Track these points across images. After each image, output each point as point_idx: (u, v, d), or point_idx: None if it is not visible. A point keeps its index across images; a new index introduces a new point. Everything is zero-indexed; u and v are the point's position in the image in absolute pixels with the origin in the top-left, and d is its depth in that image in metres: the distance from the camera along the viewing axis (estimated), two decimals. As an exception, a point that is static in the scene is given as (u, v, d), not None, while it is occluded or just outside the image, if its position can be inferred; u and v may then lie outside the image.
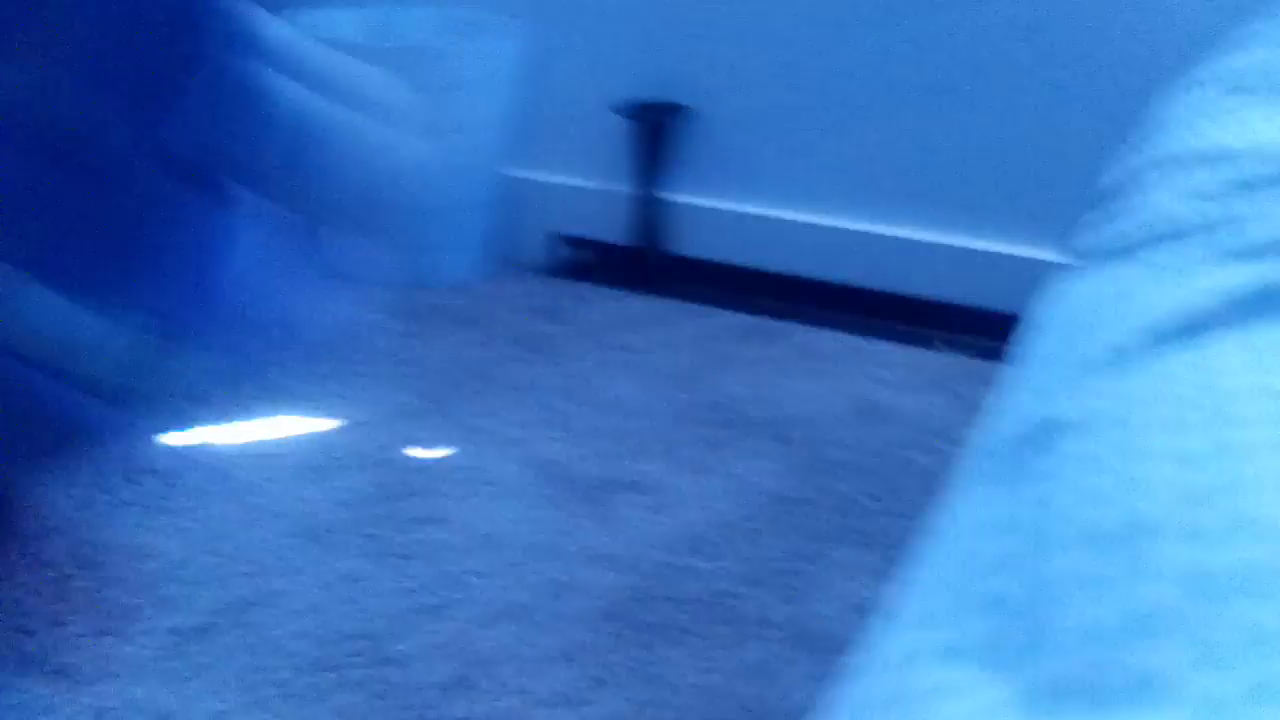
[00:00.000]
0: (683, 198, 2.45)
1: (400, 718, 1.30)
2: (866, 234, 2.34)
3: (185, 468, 1.74)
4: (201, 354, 0.39)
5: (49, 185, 0.39)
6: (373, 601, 1.48)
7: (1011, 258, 2.24)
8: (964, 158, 2.24)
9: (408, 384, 2.03)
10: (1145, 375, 0.49)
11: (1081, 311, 0.64)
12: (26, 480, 0.35)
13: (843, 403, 2.04)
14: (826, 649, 1.44)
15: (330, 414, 1.92)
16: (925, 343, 2.26)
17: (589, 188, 2.51)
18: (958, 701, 0.34)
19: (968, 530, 0.43)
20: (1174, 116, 0.73)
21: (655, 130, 2.38)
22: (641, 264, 2.48)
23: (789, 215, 2.39)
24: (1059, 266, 0.81)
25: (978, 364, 2.19)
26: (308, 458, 1.79)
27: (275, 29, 0.38)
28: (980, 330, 2.27)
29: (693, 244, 2.48)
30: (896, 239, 2.32)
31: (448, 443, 1.85)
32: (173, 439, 1.82)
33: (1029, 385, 0.57)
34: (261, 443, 1.82)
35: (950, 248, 2.29)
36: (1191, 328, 0.50)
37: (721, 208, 2.43)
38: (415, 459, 1.80)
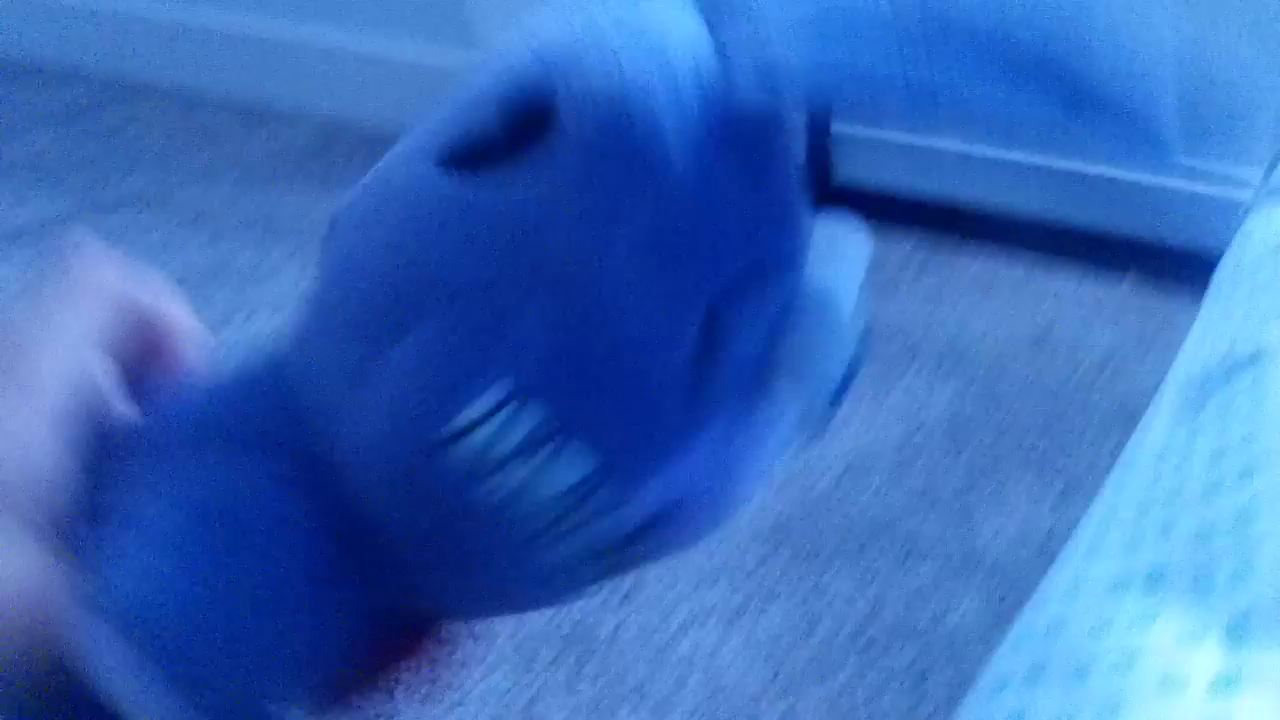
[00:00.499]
0: (854, 127, 2.41)
1: (575, 621, 1.34)
2: (1050, 166, 2.27)
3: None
4: None
5: None
6: (547, 514, 1.52)
7: (1201, 194, 2.15)
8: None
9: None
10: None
11: (1287, 242, 0.62)
12: None
13: (1020, 334, 1.99)
14: (996, 575, 1.42)
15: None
16: (1109, 277, 2.19)
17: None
18: (1163, 629, 0.34)
19: (1172, 460, 0.43)
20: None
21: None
22: (812, 193, 2.45)
23: (965, 146, 2.33)
24: (1257, 200, 0.77)
25: (1162, 299, 2.11)
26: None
27: None
28: (1165, 266, 2.19)
29: (865, 172, 2.44)
30: (1080, 171, 2.25)
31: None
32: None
33: (1233, 315, 0.55)
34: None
35: (1135, 181, 2.21)
36: None
37: (894, 137, 2.39)
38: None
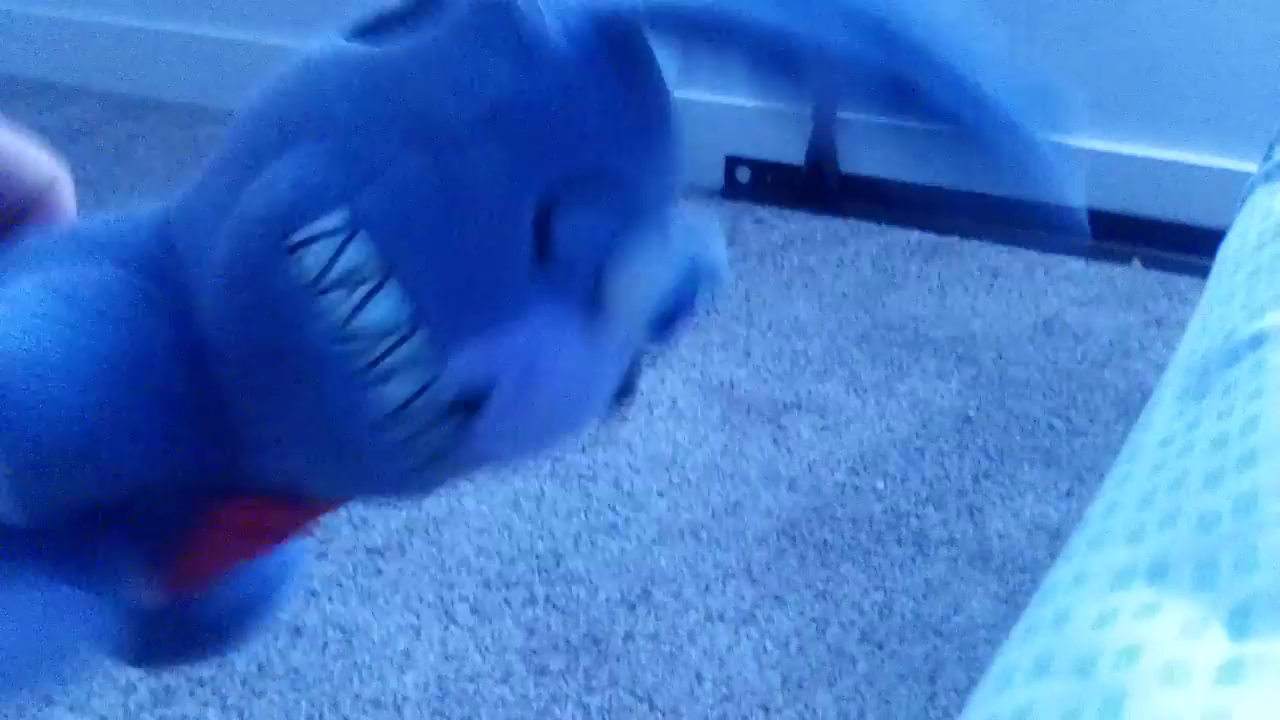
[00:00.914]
0: (861, 115, 2.40)
1: (584, 631, 1.34)
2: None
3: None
4: None
5: None
6: (555, 520, 1.52)
7: (1207, 169, 2.14)
8: (1155, 65, 2.13)
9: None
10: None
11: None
12: None
13: (1029, 321, 1.98)
14: (1009, 569, 1.41)
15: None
16: (1117, 258, 2.18)
17: (764, 108, 2.48)
18: (1167, 620, 0.33)
19: (1175, 448, 0.42)
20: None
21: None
22: (819, 184, 2.44)
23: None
24: (1260, 178, 0.77)
25: (1172, 280, 2.10)
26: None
27: None
28: (1175, 245, 2.18)
29: (871, 162, 2.43)
30: (1084, 151, 2.23)
31: (625, 365, 1.87)
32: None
33: (1234, 300, 0.54)
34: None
35: (1141, 159, 2.19)
36: None
37: (900, 124, 2.38)
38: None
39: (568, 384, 0.35)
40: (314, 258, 0.31)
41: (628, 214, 0.34)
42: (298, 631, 1.35)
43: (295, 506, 0.38)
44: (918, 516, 1.52)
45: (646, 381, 1.81)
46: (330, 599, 1.39)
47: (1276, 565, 0.33)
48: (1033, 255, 2.21)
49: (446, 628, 1.35)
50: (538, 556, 1.46)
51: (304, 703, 1.25)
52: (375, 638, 1.34)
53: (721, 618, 1.36)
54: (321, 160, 0.32)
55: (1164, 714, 0.31)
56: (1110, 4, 2.14)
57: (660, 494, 1.56)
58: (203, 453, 0.34)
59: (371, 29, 0.34)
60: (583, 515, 1.53)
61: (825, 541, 1.47)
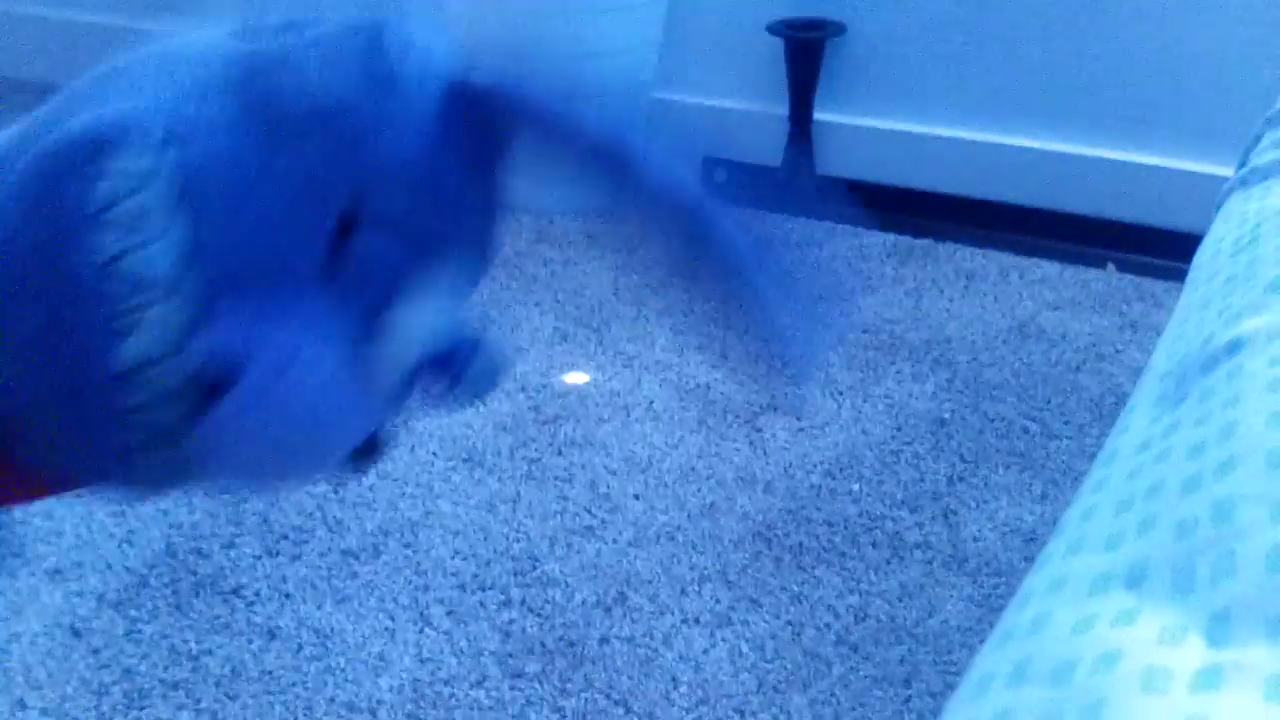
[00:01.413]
0: (837, 118, 2.41)
1: (559, 635, 1.33)
2: (1027, 150, 2.27)
3: (350, 392, 1.80)
4: None
5: None
6: (531, 522, 1.51)
7: (1182, 173, 2.15)
8: (1130, 69, 2.15)
9: (562, 310, 2.05)
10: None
11: (1263, 230, 0.61)
12: None
13: (1003, 324, 1.99)
14: (984, 572, 1.42)
15: (487, 339, 1.95)
16: (1091, 262, 2.19)
17: (741, 109, 2.48)
18: (1145, 626, 0.33)
19: (1153, 454, 0.42)
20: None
21: (809, 49, 2.33)
22: (795, 186, 2.44)
23: (946, 132, 2.33)
24: (1235, 183, 0.77)
25: (1147, 284, 2.11)
26: (466, 382, 1.82)
27: None
28: (1150, 249, 2.19)
29: (847, 164, 2.43)
30: (1059, 154, 2.25)
31: (602, 368, 1.87)
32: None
33: (1210, 306, 0.55)
34: (421, 368, 1.87)
35: (1116, 163, 2.21)
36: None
37: (876, 126, 2.38)
38: (571, 384, 1.82)
39: (316, 400, 0.35)
40: (107, 189, 0.31)
41: (424, 263, 0.35)
42: (272, 634, 1.34)
43: None
44: (893, 520, 1.52)
45: (623, 384, 1.81)
46: (305, 602, 1.38)
47: (1254, 572, 0.33)
48: (1007, 258, 2.22)
49: (422, 631, 1.34)
50: (513, 559, 1.45)
51: (278, 706, 1.25)
52: (350, 641, 1.33)
53: (697, 621, 1.36)
54: (153, 110, 0.32)
55: (1143, 721, 0.31)
56: (1086, 9, 2.15)
57: (636, 497, 1.56)
58: None
59: (251, 35, 0.35)
60: (559, 518, 1.52)
61: (801, 545, 1.48)
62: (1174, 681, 0.31)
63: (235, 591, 1.40)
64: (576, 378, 1.84)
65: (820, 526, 1.51)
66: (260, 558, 1.45)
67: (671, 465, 1.62)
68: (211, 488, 0.37)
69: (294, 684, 1.27)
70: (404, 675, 1.28)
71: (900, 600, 1.39)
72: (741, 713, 1.24)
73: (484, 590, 1.40)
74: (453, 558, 1.45)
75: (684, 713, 1.24)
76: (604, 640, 1.33)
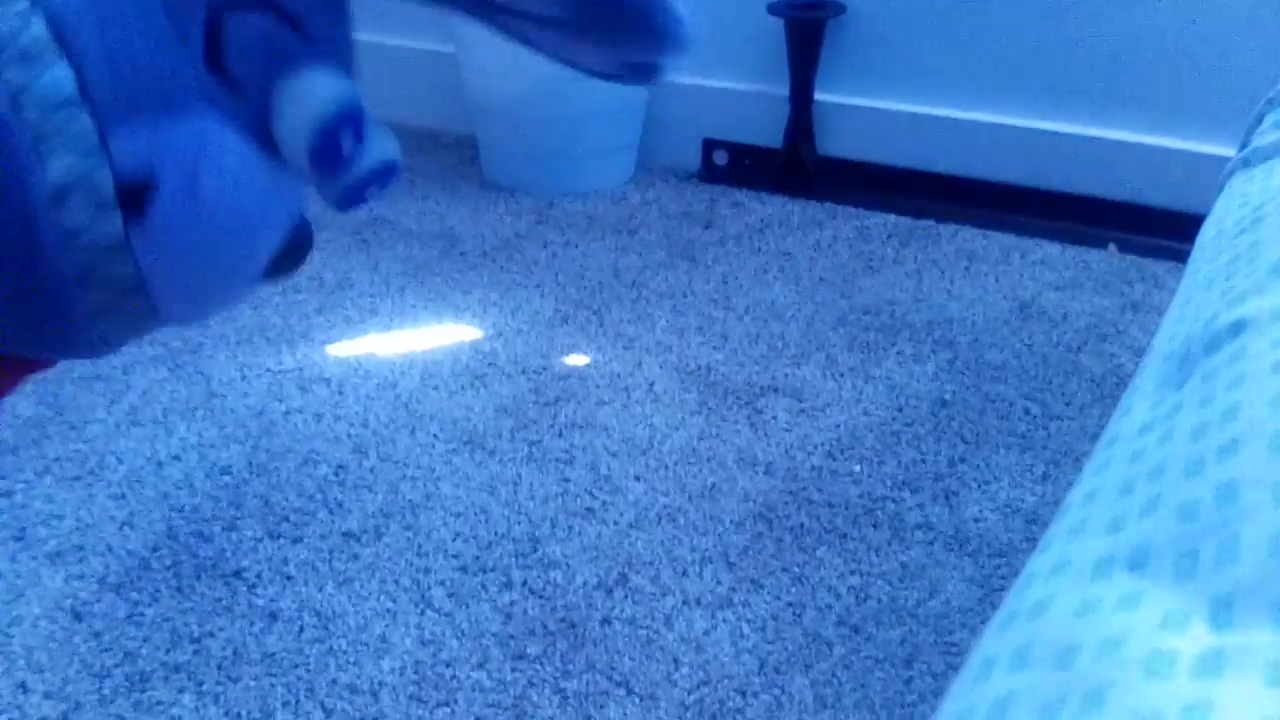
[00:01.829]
0: (837, 98, 2.40)
1: (561, 616, 1.34)
2: (1028, 130, 2.26)
3: (354, 376, 1.80)
4: None
5: None
6: (532, 504, 1.51)
7: (1184, 153, 2.14)
8: (1132, 49, 2.14)
9: (563, 292, 2.04)
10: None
11: (1266, 211, 0.61)
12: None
13: (1005, 305, 1.99)
14: (985, 553, 1.42)
15: (488, 323, 1.95)
16: (1093, 243, 2.19)
17: (742, 91, 2.48)
18: (1148, 610, 0.33)
19: (1155, 436, 0.42)
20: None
21: (810, 29, 2.32)
22: (796, 167, 2.44)
23: (947, 113, 2.32)
24: (1238, 163, 0.77)
25: (1148, 264, 2.11)
26: (468, 366, 1.82)
27: None
28: (1151, 230, 2.18)
29: (848, 145, 2.43)
30: (1060, 135, 2.24)
31: (603, 350, 1.87)
32: (342, 349, 1.87)
33: (1213, 287, 0.54)
34: (424, 351, 1.87)
35: (1117, 143, 2.20)
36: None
37: (877, 107, 2.38)
38: (571, 366, 1.82)
39: (234, 184, 0.36)
40: (4, 29, 0.32)
41: (300, 46, 0.36)
42: (274, 617, 1.34)
43: None
44: (894, 501, 1.52)
45: (623, 366, 1.81)
46: (306, 584, 1.38)
47: (1258, 556, 0.32)
48: (1009, 239, 2.21)
49: (423, 612, 1.34)
50: (514, 541, 1.45)
51: (280, 688, 1.25)
52: (352, 623, 1.33)
53: (698, 602, 1.36)
54: None
55: (1146, 706, 0.30)
56: (1087, -12, 2.14)
57: (637, 478, 1.56)
58: None
59: None
60: (559, 499, 1.52)
61: (802, 526, 1.48)
62: (1177, 666, 0.31)
63: (237, 574, 1.40)
64: (577, 360, 1.84)
65: (821, 508, 1.51)
66: (261, 540, 1.45)
67: (672, 447, 1.62)
68: (159, 318, 0.38)
69: (296, 666, 1.27)
70: (405, 657, 1.28)
71: (901, 581, 1.39)
72: (743, 693, 1.24)
73: (485, 572, 1.40)
74: (454, 540, 1.45)
75: (685, 694, 1.24)
76: (605, 621, 1.33)
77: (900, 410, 1.71)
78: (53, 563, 1.41)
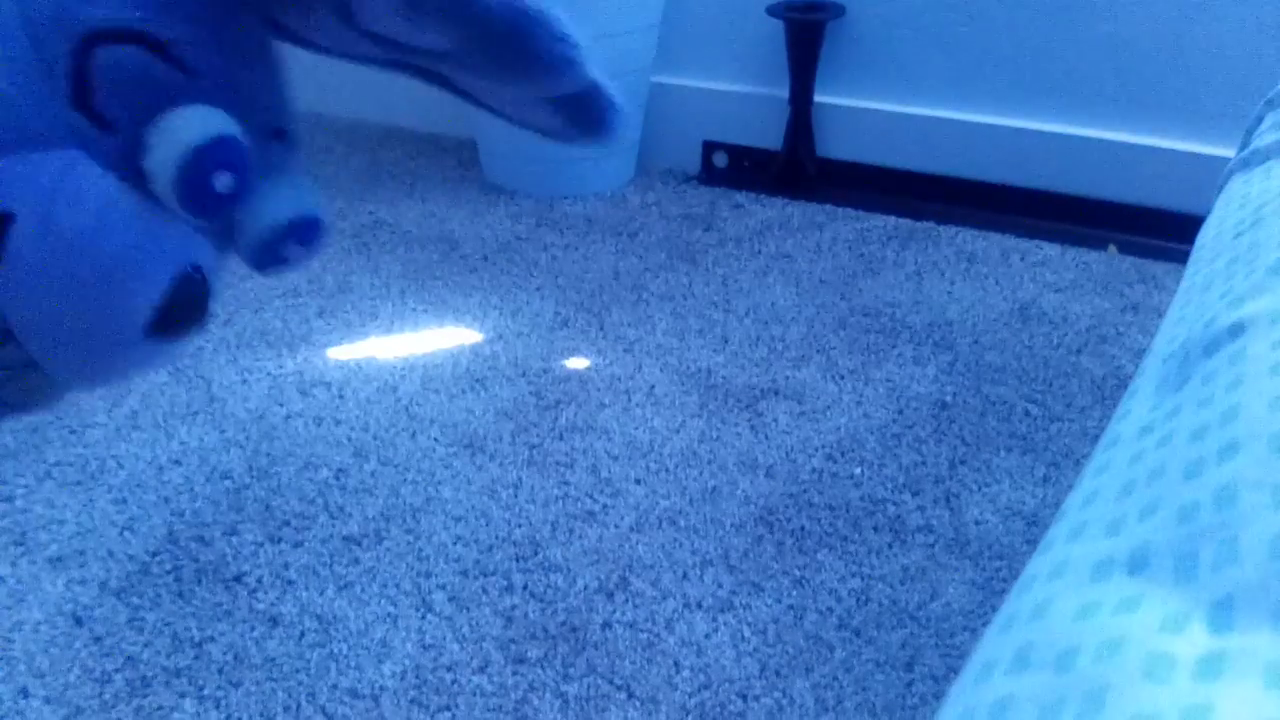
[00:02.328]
0: (837, 100, 2.40)
1: (562, 620, 1.34)
2: (1028, 132, 2.26)
3: (354, 380, 1.80)
4: None
5: None
6: (533, 508, 1.51)
7: (1183, 155, 2.14)
8: (1131, 50, 2.14)
9: (563, 295, 2.04)
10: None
11: (1265, 212, 0.61)
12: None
13: (1005, 307, 1.99)
14: (986, 555, 1.42)
15: (488, 326, 1.95)
16: (1093, 244, 2.19)
17: (742, 93, 2.48)
18: (1147, 613, 0.33)
19: (1155, 438, 0.42)
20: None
21: (809, 31, 2.32)
22: (795, 169, 2.44)
23: (947, 114, 2.32)
24: (1237, 164, 0.77)
25: (1148, 265, 2.11)
26: (468, 369, 1.82)
27: None
28: (1151, 231, 2.18)
29: (848, 147, 2.43)
30: (1060, 136, 2.24)
31: (603, 352, 1.87)
32: (342, 353, 1.87)
33: (1213, 288, 0.54)
34: (424, 355, 1.87)
35: (1117, 144, 2.20)
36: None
37: (877, 109, 2.38)
38: (571, 369, 1.82)
39: (96, 233, 0.34)
40: None
41: (176, 89, 0.35)
42: (274, 621, 1.34)
43: None
44: (895, 503, 1.52)
45: (624, 368, 1.81)
46: (307, 588, 1.38)
47: (1257, 558, 0.32)
48: (1009, 241, 2.21)
49: (424, 617, 1.34)
50: (515, 545, 1.45)
51: (281, 693, 1.25)
52: (352, 627, 1.33)
53: (699, 605, 1.36)
54: None
55: (1146, 708, 0.30)
56: (1086, -10, 2.14)
57: (638, 481, 1.56)
58: None
59: None
60: (560, 503, 1.52)
61: (803, 528, 1.47)
62: (1176, 669, 0.31)
63: (237, 578, 1.40)
64: (577, 363, 1.84)
65: (822, 510, 1.50)
66: (262, 544, 1.45)
67: (673, 450, 1.62)
68: (52, 380, 0.36)
69: (296, 670, 1.27)
70: (406, 661, 1.28)
71: (902, 584, 1.39)
72: (744, 697, 1.24)
73: (486, 576, 1.40)
74: (454, 544, 1.45)
75: (686, 697, 1.24)
76: (606, 625, 1.33)
77: (901, 413, 1.70)
78: (53, 567, 1.41)
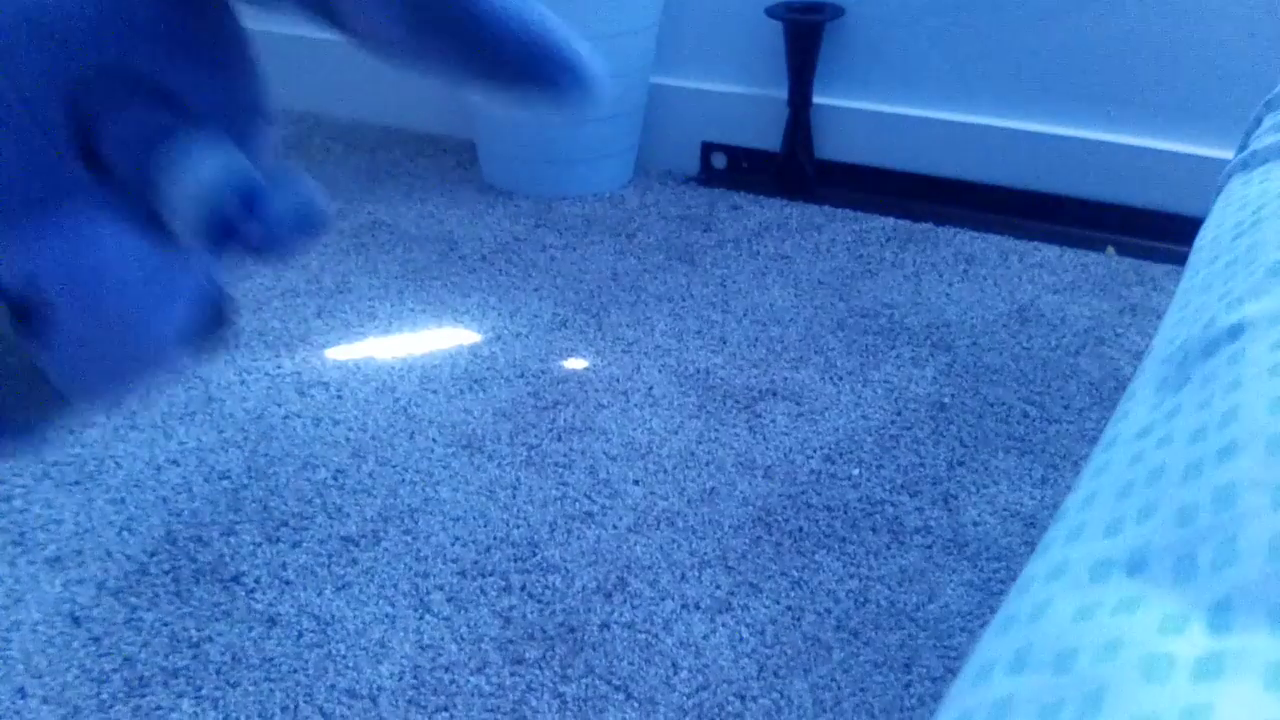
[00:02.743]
0: (836, 101, 2.40)
1: (560, 621, 1.33)
2: (1026, 133, 2.26)
3: (352, 380, 1.80)
4: None
5: None
6: (531, 508, 1.51)
7: (1182, 156, 2.14)
8: (1130, 52, 2.14)
9: (562, 295, 2.04)
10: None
11: (1264, 214, 0.61)
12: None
13: (1003, 308, 1.99)
14: (984, 557, 1.42)
15: (487, 327, 1.95)
16: (1091, 246, 2.19)
17: (740, 94, 2.48)
18: (1146, 614, 0.33)
19: (1154, 439, 0.42)
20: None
21: (808, 32, 2.32)
22: (794, 170, 2.44)
23: (945, 116, 2.32)
24: (1236, 166, 0.77)
25: (1146, 267, 2.11)
26: (466, 369, 1.82)
27: None
28: (1149, 232, 2.18)
29: (846, 148, 2.43)
30: (1058, 138, 2.24)
31: (601, 353, 1.87)
32: (341, 353, 1.87)
33: (1211, 290, 0.54)
34: (422, 355, 1.87)
35: (1116, 146, 2.20)
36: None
37: (876, 110, 2.38)
38: (570, 369, 1.82)
39: (120, 290, 0.35)
40: None
41: (177, 123, 0.35)
42: (272, 621, 1.34)
43: None
44: (893, 504, 1.52)
45: (622, 369, 1.81)
46: (305, 589, 1.38)
47: (1256, 559, 0.32)
48: (1007, 242, 2.21)
49: (422, 617, 1.34)
50: (513, 545, 1.45)
51: (279, 693, 1.25)
52: (350, 628, 1.33)
53: (697, 606, 1.36)
54: None
55: (1145, 709, 0.30)
56: (1085, -9, 2.14)
57: (636, 482, 1.56)
58: None
59: None
60: (558, 504, 1.52)
61: (801, 529, 1.47)
62: (1175, 670, 0.31)
63: (235, 579, 1.40)
64: (576, 363, 1.84)
65: (820, 511, 1.51)
66: (260, 545, 1.45)
67: (671, 451, 1.62)
68: (84, 406, 0.37)
69: (294, 671, 1.27)
70: (404, 662, 1.28)
71: (900, 585, 1.39)
72: (742, 698, 1.24)
73: (484, 576, 1.40)
74: (453, 544, 1.45)
75: (684, 698, 1.24)
76: (604, 626, 1.33)
77: (899, 414, 1.71)
78: (51, 567, 1.41)
